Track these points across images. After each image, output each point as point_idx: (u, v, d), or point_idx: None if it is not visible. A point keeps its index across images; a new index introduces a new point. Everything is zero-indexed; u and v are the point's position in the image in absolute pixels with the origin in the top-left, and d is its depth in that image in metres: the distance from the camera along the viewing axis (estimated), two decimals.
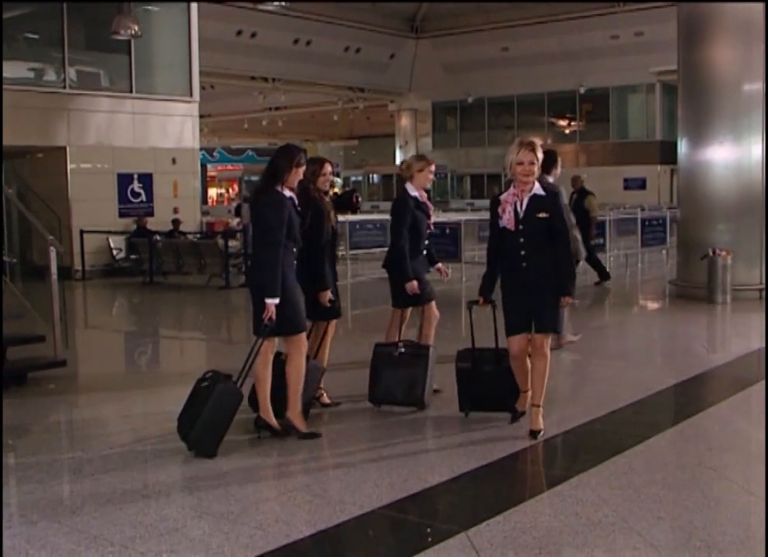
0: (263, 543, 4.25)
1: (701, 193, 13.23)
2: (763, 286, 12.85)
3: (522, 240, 5.79)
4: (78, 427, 6.88)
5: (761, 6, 12.84)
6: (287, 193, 5.90)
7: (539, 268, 5.80)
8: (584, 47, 38.01)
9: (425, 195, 7.17)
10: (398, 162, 44.16)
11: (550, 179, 7.79)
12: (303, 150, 6.14)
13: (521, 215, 5.78)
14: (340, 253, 18.11)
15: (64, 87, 18.70)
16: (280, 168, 5.88)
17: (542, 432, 5.90)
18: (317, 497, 4.89)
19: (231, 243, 17.34)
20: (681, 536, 4.35)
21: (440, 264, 7.49)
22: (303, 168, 6.01)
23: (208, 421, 5.49)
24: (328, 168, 6.67)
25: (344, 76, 40.47)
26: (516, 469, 5.51)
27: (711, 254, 12.59)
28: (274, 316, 5.67)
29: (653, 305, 14.24)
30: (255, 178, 47.14)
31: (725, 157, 12.96)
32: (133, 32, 17.17)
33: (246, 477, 5.28)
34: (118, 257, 18.76)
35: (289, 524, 4.49)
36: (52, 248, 7.93)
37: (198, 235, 19.09)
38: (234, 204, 30.23)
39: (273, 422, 5.95)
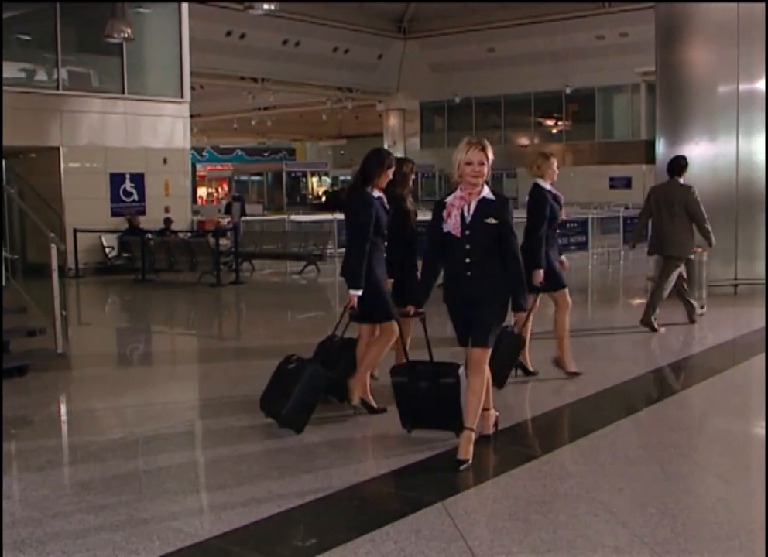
0: None
1: None
2: (737, 281, 13.35)
3: (467, 246, 5.37)
4: (85, 414, 7.28)
5: (735, 10, 13.29)
6: (376, 193, 6.38)
7: (484, 277, 5.38)
8: (569, 48, 38.40)
9: (555, 188, 7.81)
10: None
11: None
12: (390, 153, 6.69)
13: (468, 220, 5.33)
14: (328, 251, 18.57)
15: (57, 88, 19.04)
16: (371, 170, 6.39)
17: (468, 462, 5.30)
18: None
19: (222, 241, 17.72)
20: (638, 504, 4.77)
21: (562, 257, 8.03)
22: (392, 170, 6.50)
23: (299, 399, 6.04)
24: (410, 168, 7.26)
25: (332, 76, 40.81)
26: (489, 449, 5.85)
27: None
28: (356, 306, 6.24)
29: (630, 301, 14.68)
30: (244, 178, 47.65)
31: (701, 157, 13.38)
32: (126, 35, 17.54)
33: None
34: (110, 256, 19.11)
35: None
36: (53, 245, 8.31)
37: (189, 233, 19.47)
38: (225, 203, 30.62)
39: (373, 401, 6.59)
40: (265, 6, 17.82)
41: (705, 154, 13.43)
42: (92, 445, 6.02)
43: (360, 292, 6.23)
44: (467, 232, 5.33)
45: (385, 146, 46.61)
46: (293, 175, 45.25)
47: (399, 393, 5.94)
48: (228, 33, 35.86)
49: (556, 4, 36.90)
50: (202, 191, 49.78)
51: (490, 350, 5.48)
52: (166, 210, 19.98)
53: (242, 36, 36.34)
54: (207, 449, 6.15)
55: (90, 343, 10.85)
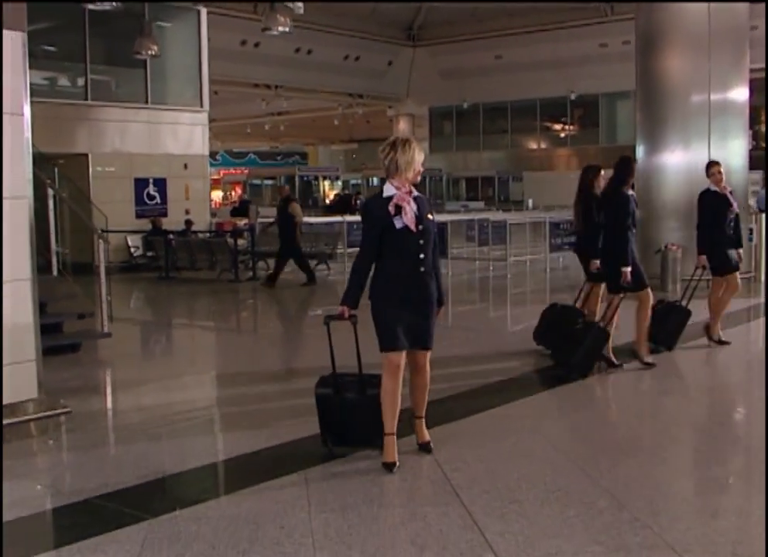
0: None
1: (655, 195, 14.95)
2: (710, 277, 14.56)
3: (421, 241, 5.33)
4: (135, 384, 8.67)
5: (705, 22, 14.43)
6: (630, 192, 8.32)
7: (432, 272, 5.43)
8: (574, 55, 39.17)
9: (727, 188, 9.65)
10: None
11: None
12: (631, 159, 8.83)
13: (417, 214, 5.33)
14: (338, 250, 19.87)
15: (86, 99, 20.46)
16: (627, 174, 8.36)
17: (431, 443, 5.71)
18: None
19: (239, 241, 19.07)
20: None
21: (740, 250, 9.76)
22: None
23: (590, 349, 7.85)
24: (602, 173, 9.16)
25: (343, 83, 41.69)
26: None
27: (663, 248, 14.32)
28: (630, 279, 8.02)
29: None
30: (257, 182, 48.87)
31: (676, 162, 14.67)
32: (153, 52, 18.93)
33: None
34: (135, 255, 20.51)
35: None
36: (100, 241, 9.67)
37: (209, 234, 20.84)
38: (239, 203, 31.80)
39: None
40: (281, 29, 19.11)
41: (680, 160, 14.68)
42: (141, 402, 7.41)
43: (630, 268, 7.97)
44: (420, 227, 5.32)
45: None
46: (305, 179, 46.37)
47: (322, 406, 5.70)
48: (243, 42, 36.97)
49: (560, 13, 37.82)
50: (216, 194, 50.92)
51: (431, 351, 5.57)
52: (186, 212, 21.37)
53: (257, 45, 37.44)
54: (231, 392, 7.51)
55: (127, 328, 12.26)
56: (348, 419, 5.64)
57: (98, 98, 20.70)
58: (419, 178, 5.45)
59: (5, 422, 5.83)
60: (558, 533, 4.35)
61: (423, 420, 5.71)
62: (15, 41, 5.80)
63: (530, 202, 37.82)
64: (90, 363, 9.27)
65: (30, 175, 6.09)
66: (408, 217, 5.29)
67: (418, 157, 5.37)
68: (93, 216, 19.54)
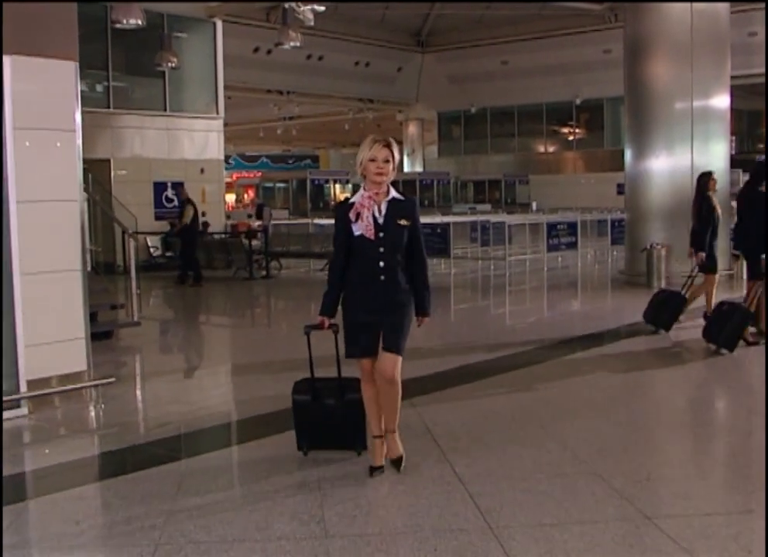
0: None
1: (642, 198, 15.99)
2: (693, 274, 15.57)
3: (381, 250, 5.13)
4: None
5: (688, 31, 15.35)
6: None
7: (397, 281, 5.19)
8: (578, 61, 39.82)
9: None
10: (405, 168, 46.32)
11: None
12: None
13: (380, 221, 5.13)
14: None
15: (108, 107, 21.61)
16: (762, 176, 9.54)
17: (403, 461, 5.41)
18: None
19: (254, 241, 20.18)
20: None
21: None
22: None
23: (736, 328, 9.04)
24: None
25: (354, 88, 42.46)
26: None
27: (649, 247, 15.36)
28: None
29: (601, 289, 17.03)
30: (269, 185, 49.88)
31: (661, 167, 15.66)
32: (173, 64, 20.08)
33: None
34: (154, 255, 21.67)
35: None
36: (131, 240, 10.79)
37: (224, 235, 21.98)
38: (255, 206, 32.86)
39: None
40: (292, 44, 20.25)
41: (665, 164, 15.67)
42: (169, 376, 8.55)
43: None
44: (380, 234, 5.12)
45: (405, 154, 48.52)
46: (316, 182, 47.25)
47: (300, 412, 5.66)
48: (256, 49, 37.92)
49: (565, 20, 38.59)
50: (229, 197, 51.83)
51: (401, 359, 5.25)
52: (203, 214, 22.48)
53: (269, 52, 38.46)
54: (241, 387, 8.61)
55: (153, 319, 13.43)
56: (326, 424, 5.61)
57: (119, 106, 21.86)
58: (381, 178, 5.10)
59: (63, 388, 6.97)
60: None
61: (396, 434, 5.42)
62: (68, 69, 6.94)
63: (534, 204, 38.67)
64: (122, 346, 10.53)
65: (80, 182, 7.21)
66: (363, 225, 5.12)
67: (361, 153, 5.15)
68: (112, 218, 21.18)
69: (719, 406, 7.68)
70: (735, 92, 35.82)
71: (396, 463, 5.37)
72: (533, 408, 7.07)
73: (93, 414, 7.33)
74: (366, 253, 5.16)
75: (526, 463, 5.57)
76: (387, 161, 5.12)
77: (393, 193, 5.22)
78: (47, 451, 6.21)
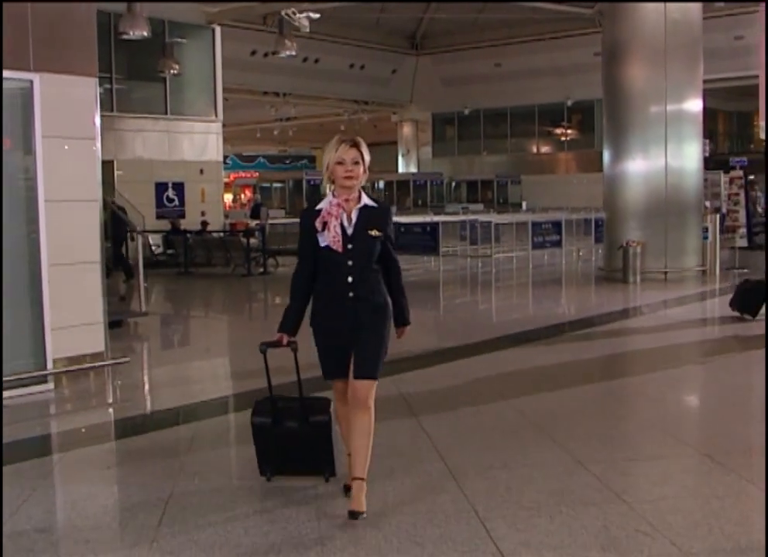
0: None
1: (619, 198, 16.87)
2: (666, 270, 16.50)
3: (350, 263, 4.60)
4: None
5: (662, 37, 16.14)
6: None
7: (369, 297, 4.67)
8: (570, 63, 40.28)
9: None
10: (400, 169, 47.09)
11: None
12: None
13: (350, 231, 4.62)
14: None
15: (111, 110, 22.51)
16: None
17: (364, 515, 4.58)
18: None
19: (251, 240, 21.07)
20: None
21: None
22: None
23: None
24: None
25: (349, 90, 42.96)
26: None
27: (625, 245, 16.27)
28: None
29: (580, 284, 18.00)
30: (266, 184, 50.72)
31: (636, 168, 16.51)
32: (175, 71, 21.03)
33: None
34: (156, 252, 22.54)
35: None
36: (140, 237, 11.73)
37: (223, 233, 22.88)
38: (251, 205, 33.76)
39: None
40: (287, 53, 21.21)
41: (640, 165, 16.51)
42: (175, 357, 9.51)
43: None
44: (349, 246, 4.60)
45: (399, 155, 49.33)
46: (312, 182, 48.02)
47: (260, 436, 5.11)
48: (253, 52, 38.74)
49: (557, 23, 39.25)
50: (226, 197, 52.47)
51: (376, 383, 4.71)
52: (202, 213, 23.44)
53: (266, 55, 39.31)
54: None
55: (158, 311, 14.36)
56: (289, 449, 5.10)
57: (122, 109, 22.77)
58: (350, 182, 4.61)
59: (84, 365, 7.92)
60: None
61: (364, 482, 4.66)
62: (89, 84, 7.89)
63: (524, 204, 39.47)
64: (132, 333, 11.52)
65: (100, 184, 8.15)
66: (329, 235, 4.60)
67: (326, 156, 4.70)
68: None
69: None
70: (724, 94, 36.79)
71: (354, 514, 4.57)
72: (495, 383, 8.02)
73: (111, 388, 8.33)
74: (334, 267, 4.65)
75: (483, 418, 6.58)
76: (356, 162, 4.62)
77: (365, 200, 4.69)
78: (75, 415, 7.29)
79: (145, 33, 18.88)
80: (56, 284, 7.52)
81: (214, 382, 8.86)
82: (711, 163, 23.58)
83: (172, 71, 21.43)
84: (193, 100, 24.58)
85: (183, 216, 23.43)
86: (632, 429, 6.67)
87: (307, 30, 22.45)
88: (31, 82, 7.18)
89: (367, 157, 4.66)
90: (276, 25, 24.86)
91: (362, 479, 4.63)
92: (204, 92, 24.57)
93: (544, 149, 45.21)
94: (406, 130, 48.16)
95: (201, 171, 24.01)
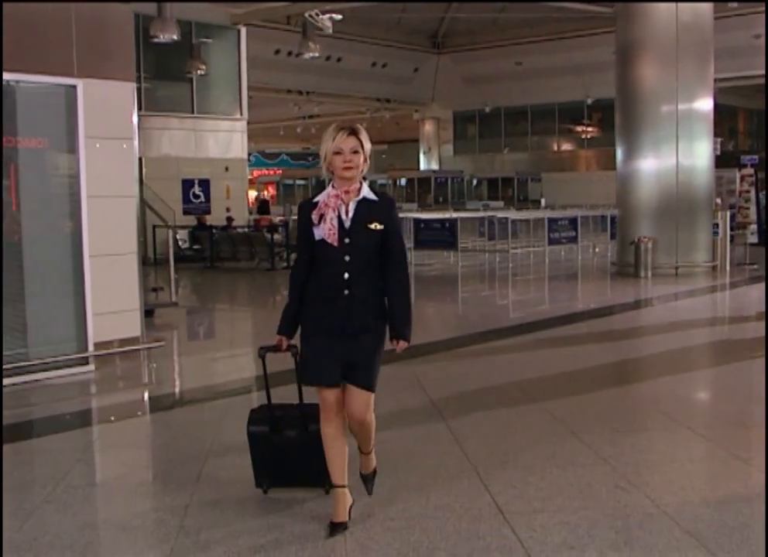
0: None
1: (631, 195, 17.34)
2: (677, 265, 16.97)
3: (347, 258, 4.31)
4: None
5: (674, 37, 16.56)
6: None
7: (365, 297, 4.35)
8: (589, 62, 40.48)
9: None
10: (422, 167, 47.54)
11: None
12: None
13: (347, 224, 4.32)
14: None
15: (140, 110, 23.10)
16: None
17: (376, 473, 4.81)
18: None
19: (275, 235, 21.71)
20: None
21: None
22: None
23: None
24: None
25: (371, 88, 43.34)
26: None
27: (637, 241, 16.76)
28: None
29: (592, 278, 18.53)
30: (289, 182, 51.37)
31: (648, 166, 16.97)
32: (202, 71, 21.69)
33: None
34: (183, 247, 23.21)
35: None
36: (170, 232, 12.37)
37: (247, 229, 23.54)
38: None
39: None
40: (311, 54, 21.84)
41: (652, 163, 16.97)
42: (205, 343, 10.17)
43: None
44: (346, 240, 4.32)
45: (421, 152, 49.75)
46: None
47: (257, 445, 4.88)
48: (277, 51, 39.30)
49: (576, 22, 39.59)
50: (251, 194, 53.11)
51: (373, 396, 4.45)
52: (227, 209, 24.12)
53: (290, 54, 39.90)
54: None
55: (186, 302, 15.07)
56: (287, 460, 4.84)
57: (150, 108, 23.43)
58: (349, 173, 4.30)
59: (123, 348, 8.59)
60: None
61: (372, 454, 4.78)
62: (127, 89, 8.56)
63: (543, 201, 39.87)
64: (164, 322, 12.16)
65: (137, 181, 8.79)
66: (325, 227, 4.32)
67: (323, 145, 4.35)
68: (145, 213, 22.73)
69: None
70: (745, 92, 36.92)
71: (369, 478, 4.76)
72: (509, 367, 8.61)
73: (147, 369, 9.01)
74: (329, 262, 4.35)
75: (491, 398, 7.18)
76: (356, 152, 4.29)
77: (366, 192, 4.39)
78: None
79: (175, 37, 19.53)
80: (97, 273, 8.17)
81: (242, 366, 9.47)
82: (731, 160, 24.05)
83: (198, 71, 22.10)
84: (218, 99, 25.23)
85: (208, 212, 24.08)
86: (628, 406, 7.22)
87: (330, 31, 23.03)
88: (75, 87, 7.82)
89: (367, 145, 4.32)
90: (299, 25, 25.55)
91: (369, 453, 4.73)
92: (229, 91, 25.23)
93: (565, 147, 45.45)
94: (428, 128, 48.51)
95: (226, 168, 24.66)
